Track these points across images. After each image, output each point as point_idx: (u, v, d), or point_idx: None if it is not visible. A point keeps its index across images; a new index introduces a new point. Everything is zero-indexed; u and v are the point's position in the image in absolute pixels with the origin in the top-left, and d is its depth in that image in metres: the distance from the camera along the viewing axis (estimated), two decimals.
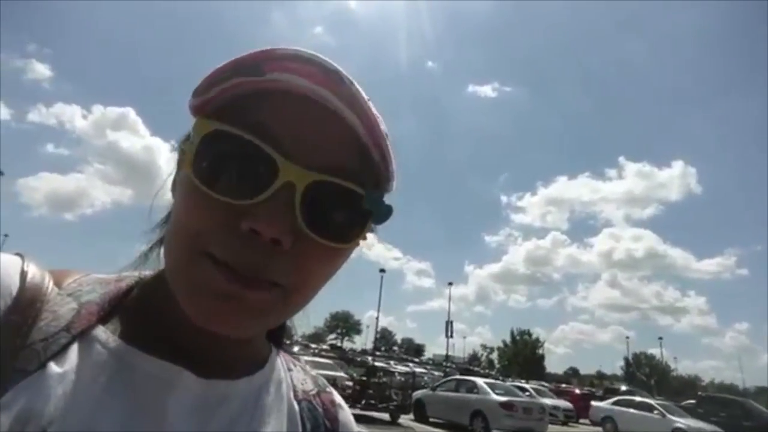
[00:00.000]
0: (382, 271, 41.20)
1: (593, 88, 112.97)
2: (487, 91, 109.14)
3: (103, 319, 0.43)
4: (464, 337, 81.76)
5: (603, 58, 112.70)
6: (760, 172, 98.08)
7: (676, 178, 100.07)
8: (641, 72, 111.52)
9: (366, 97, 0.42)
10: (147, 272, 0.51)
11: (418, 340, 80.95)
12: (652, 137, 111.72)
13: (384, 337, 68.75)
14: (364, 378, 14.16)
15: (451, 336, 41.81)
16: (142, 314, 0.46)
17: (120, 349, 0.42)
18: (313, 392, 0.57)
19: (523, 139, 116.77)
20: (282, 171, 0.39)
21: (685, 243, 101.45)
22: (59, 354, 0.39)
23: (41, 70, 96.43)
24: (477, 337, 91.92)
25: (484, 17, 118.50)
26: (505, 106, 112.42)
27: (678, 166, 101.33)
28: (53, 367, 0.38)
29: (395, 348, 72.08)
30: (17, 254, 0.44)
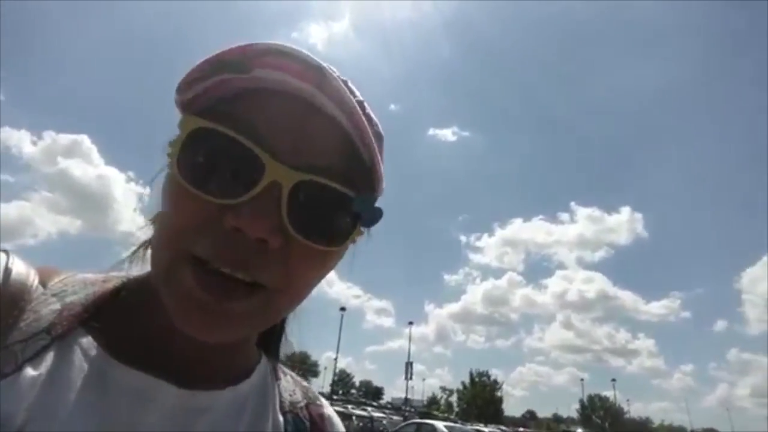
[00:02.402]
0: (343, 309, 40.46)
1: (546, 133, 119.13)
2: (447, 134, 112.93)
3: (86, 321, 0.42)
4: (423, 379, 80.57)
5: (557, 106, 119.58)
6: (702, 219, 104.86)
7: (624, 223, 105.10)
8: (592, 120, 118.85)
9: (358, 97, 0.42)
10: (135, 273, 0.50)
11: (376, 382, 79.04)
12: (601, 183, 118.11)
13: (342, 380, 66.69)
14: None
15: (411, 378, 41.07)
16: (125, 318, 0.45)
17: (99, 356, 0.41)
18: (302, 404, 0.54)
19: (480, 181, 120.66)
20: (269, 170, 0.38)
21: (633, 286, 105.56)
22: (37, 357, 0.38)
23: None
24: (436, 378, 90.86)
25: (446, 61, 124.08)
26: (464, 149, 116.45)
27: (626, 211, 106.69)
28: (29, 371, 0.37)
29: (353, 391, 69.90)
30: (2, 251, 0.43)
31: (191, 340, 0.39)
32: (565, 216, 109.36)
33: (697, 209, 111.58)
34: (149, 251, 0.47)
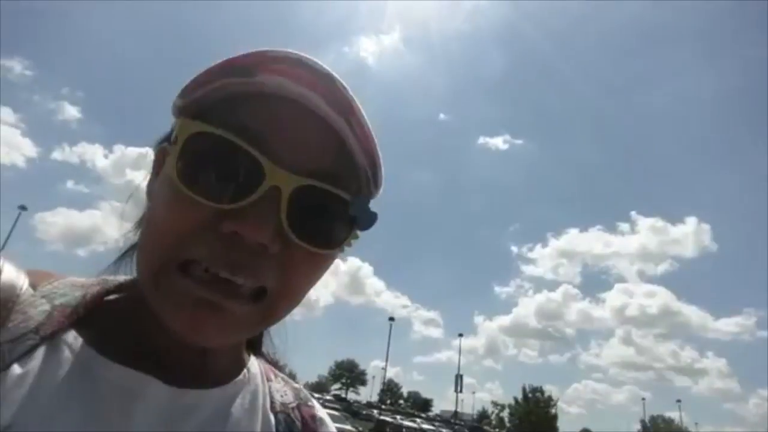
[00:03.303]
0: (392, 319, 40.44)
1: (604, 140, 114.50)
2: (498, 142, 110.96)
3: (75, 323, 0.43)
4: (473, 393, 78.97)
5: (614, 111, 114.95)
6: None
7: (690, 235, 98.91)
8: (653, 126, 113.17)
9: (358, 105, 0.42)
10: (124, 277, 0.50)
11: (424, 394, 78.03)
12: (664, 192, 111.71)
13: (390, 390, 66.44)
14: None
15: (461, 391, 40.29)
16: (115, 320, 0.45)
17: (88, 355, 0.41)
18: (293, 405, 0.54)
19: (533, 190, 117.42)
20: (268, 175, 0.38)
21: (701, 301, 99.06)
22: (25, 356, 0.39)
23: (71, 111, 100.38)
24: (486, 392, 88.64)
25: (497, 70, 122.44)
26: (516, 157, 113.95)
27: (691, 222, 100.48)
28: (16, 369, 0.38)
29: (401, 401, 69.51)
30: None
31: (180, 342, 0.39)
32: (625, 226, 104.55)
33: None
34: (135, 258, 0.48)
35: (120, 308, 0.46)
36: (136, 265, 0.43)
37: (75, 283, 0.46)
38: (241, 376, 0.49)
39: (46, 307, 0.42)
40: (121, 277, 0.50)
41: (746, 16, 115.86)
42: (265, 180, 0.38)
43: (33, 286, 0.44)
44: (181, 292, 0.38)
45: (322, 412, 0.56)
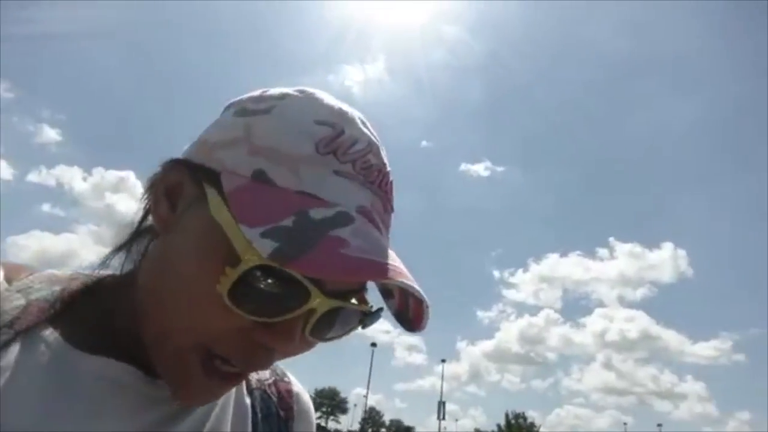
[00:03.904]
0: (374, 345, 40.03)
1: (582, 167, 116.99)
2: (479, 169, 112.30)
3: (52, 318, 0.42)
4: (456, 420, 77.51)
5: (593, 139, 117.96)
6: (752, 255, 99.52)
7: (666, 260, 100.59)
8: (630, 154, 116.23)
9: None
10: (104, 272, 0.50)
11: (407, 421, 76.65)
12: (641, 218, 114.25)
13: (371, 418, 65.14)
14: None
15: (444, 418, 39.80)
16: (91, 314, 0.45)
17: (64, 349, 0.41)
18: (269, 381, 0.56)
19: (514, 216, 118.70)
20: (312, 300, 0.38)
21: (679, 325, 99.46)
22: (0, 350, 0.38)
23: (51, 134, 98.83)
24: (470, 419, 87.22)
25: (478, 99, 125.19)
26: (497, 184, 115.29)
27: (668, 247, 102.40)
28: None
29: (383, 430, 68.16)
30: None
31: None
32: (603, 252, 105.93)
33: (745, 244, 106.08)
34: (119, 254, 0.50)
35: (98, 304, 0.46)
36: (163, 297, 0.41)
37: (52, 278, 0.46)
38: None
39: (21, 301, 0.42)
40: (103, 272, 0.50)
41: (723, 48, 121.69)
42: (306, 304, 0.38)
43: (8, 280, 0.44)
44: (189, 376, 0.40)
45: (298, 387, 0.59)
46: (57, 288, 0.45)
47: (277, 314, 0.38)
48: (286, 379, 0.58)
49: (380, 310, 0.45)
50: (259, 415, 0.52)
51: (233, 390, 0.50)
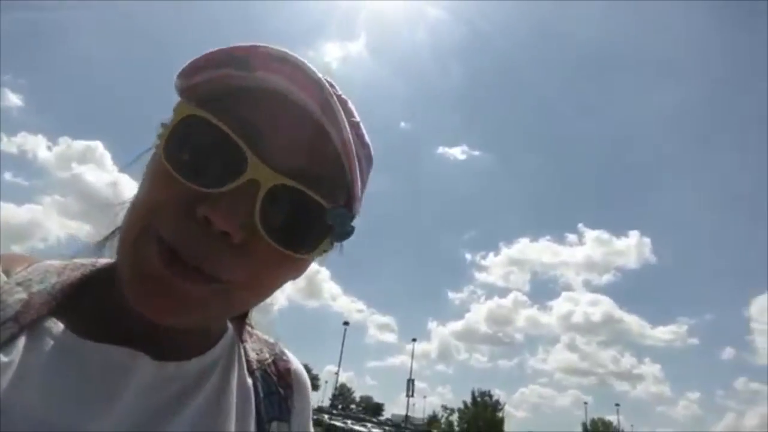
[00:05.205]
0: (346, 323, 40.49)
1: (556, 155, 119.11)
2: (456, 152, 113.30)
3: (55, 310, 0.43)
4: (425, 397, 79.70)
5: (567, 128, 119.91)
6: (711, 245, 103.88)
7: (632, 247, 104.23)
8: (601, 145, 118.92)
9: (355, 118, 0.44)
10: (102, 260, 0.50)
11: (377, 398, 78.08)
12: (610, 206, 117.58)
13: (342, 394, 66.13)
14: None
15: (412, 395, 40.83)
16: (93, 303, 0.45)
17: (71, 339, 0.41)
18: (269, 360, 0.57)
19: (488, 200, 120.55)
20: (251, 168, 0.39)
21: (640, 310, 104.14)
22: (6, 344, 0.38)
23: (13, 99, 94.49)
24: (438, 397, 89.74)
25: (458, 83, 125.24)
26: (473, 168, 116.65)
27: (634, 235, 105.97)
28: (0, 357, 0.38)
29: (353, 406, 69.35)
30: None
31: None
32: (572, 237, 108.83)
33: (706, 235, 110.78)
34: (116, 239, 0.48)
35: (99, 291, 0.46)
36: (119, 238, 0.43)
37: (50, 269, 0.46)
38: (216, 346, 0.51)
39: (23, 295, 0.42)
40: (101, 260, 0.50)
41: (699, 38, 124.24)
42: (246, 172, 0.38)
43: (6, 272, 0.44)
44: (146, 267, 0.39)
45: (296, 365, 0.60)
46: (57, 279, 0.45)
47: (216, 182, 0.38)
48: (285, 357, 0.60)
49: (344, 209, 0.44)
50: (261, 394, 0.53)
51: (235, 371, 0.52)
